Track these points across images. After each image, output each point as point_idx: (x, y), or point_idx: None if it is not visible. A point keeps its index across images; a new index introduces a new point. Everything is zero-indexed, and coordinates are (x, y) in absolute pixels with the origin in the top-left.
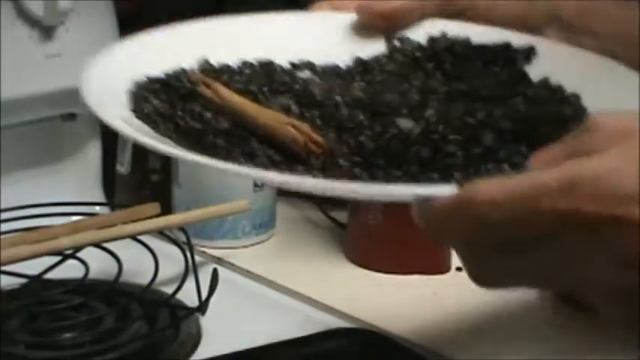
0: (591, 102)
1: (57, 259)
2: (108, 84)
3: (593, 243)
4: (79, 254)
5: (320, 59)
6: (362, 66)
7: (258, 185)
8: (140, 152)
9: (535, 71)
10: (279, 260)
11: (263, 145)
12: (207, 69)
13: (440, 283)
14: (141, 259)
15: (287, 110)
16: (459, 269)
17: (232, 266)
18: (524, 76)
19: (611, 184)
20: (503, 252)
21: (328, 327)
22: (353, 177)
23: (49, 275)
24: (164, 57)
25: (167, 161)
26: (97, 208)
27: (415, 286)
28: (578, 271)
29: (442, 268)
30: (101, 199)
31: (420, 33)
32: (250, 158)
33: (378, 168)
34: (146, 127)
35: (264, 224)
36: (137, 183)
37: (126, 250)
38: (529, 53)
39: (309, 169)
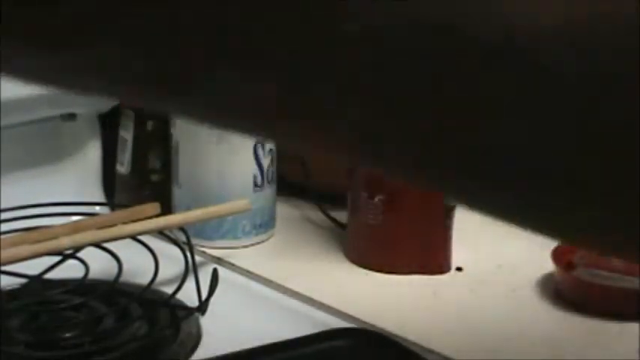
0: None
1: (57, 259)
2: None
3: None
4: (79, 254)
5: None
6: None
7: (258, 185)
8: (140, 152)
9: None
10: (279, 260)
11: None
12: None
13: (440, 283)
14: (141, 259)
15: None
16: (459, 269)
17: (232, 266)
18: None
19: None
20: None
21: (328, 327)
22: None
23: (49, 275)
24: None
25: (167, 161)
26: (97, 208)
27: (415, 286)
28: None
29: (442, 268)
30: (101, 199)
31: None
32: None
33: None
34: None
35: (264, 224)
36: (137, 183)
37: (126, 250)
38: None
39: None
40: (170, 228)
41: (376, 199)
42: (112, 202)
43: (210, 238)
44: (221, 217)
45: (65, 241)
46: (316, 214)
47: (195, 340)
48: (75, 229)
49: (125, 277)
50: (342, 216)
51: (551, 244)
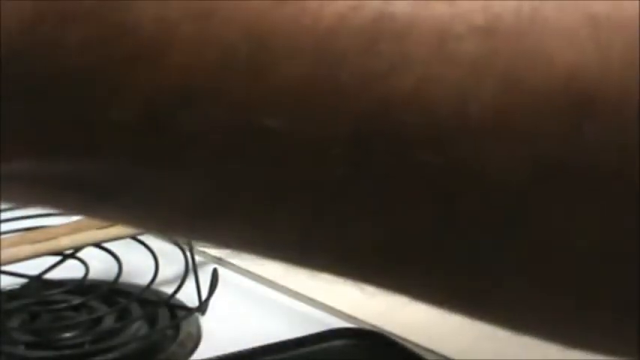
0: None
1: (57, 259)
2: None
3: None
4: (79, 254)
5: None
6: None
7: None
8: None
9: None
10: None
11: None
12: None
13: None
14: (141, 259)
15: None
16: None
17: (232, 266)
18: None
19: None
20: None
21: (328, 327)
22: None
23: (49, 275)
24: None
25: None
26: None
27: None
28: None
29: None
30: None
31: None
32: None
33: None
34: None
35: None
36: None
37: (126, 250)
38: None
39: None
40: None
41: None
42: None
43: None
44: None
45: (65, 241)
46: None
47: (195, 340)
48: (75, 229)
49: (125, 277)
50: None
51: None
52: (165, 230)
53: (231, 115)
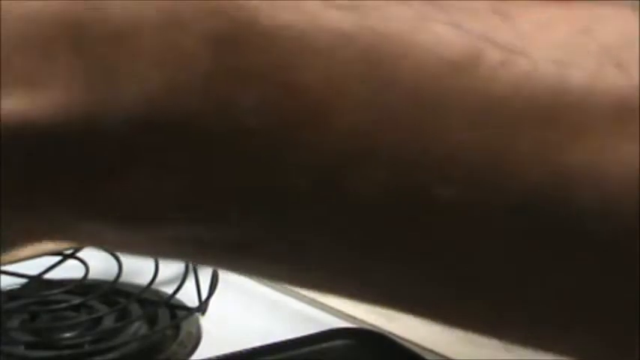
0: None
1: (57, 259)
2: None
3: None
4: (79, 254)
5: None
6: None
7: None
8: None
9: None
10: None
11: None
12: None
13: None
14: (141, 258)
15: None
16: None
17: None
18: None
19: None
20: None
21: (328, 327)
22: None
23: (49, 275)
24: None
25: None
26: None
27: None
28: None
29: None
30: None
31: None
32: None
33: None
34: None
35: None
36: None
37: None
38: None
39: None
40: None
41: None
42: None
43: None
44: None
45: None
46: None
47: (195, 340)
48: None
49: (125, 277)
50: None
51: None
52: (302, 287)
53: (400, 181)
